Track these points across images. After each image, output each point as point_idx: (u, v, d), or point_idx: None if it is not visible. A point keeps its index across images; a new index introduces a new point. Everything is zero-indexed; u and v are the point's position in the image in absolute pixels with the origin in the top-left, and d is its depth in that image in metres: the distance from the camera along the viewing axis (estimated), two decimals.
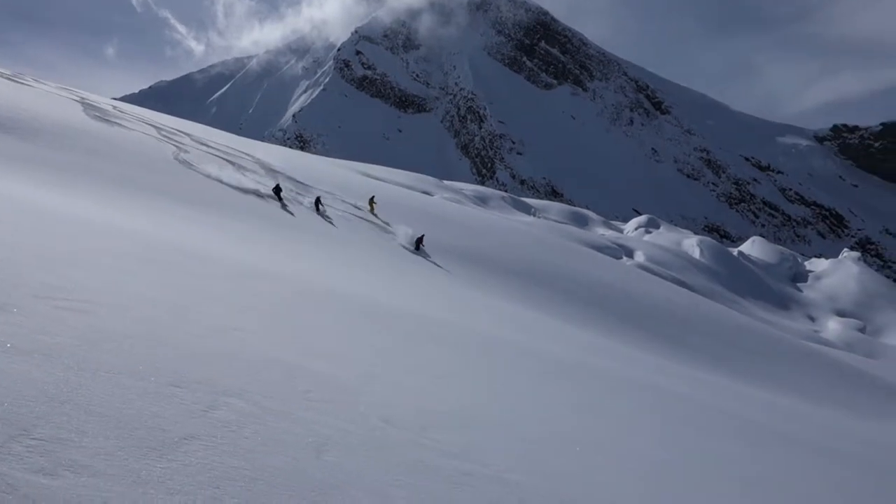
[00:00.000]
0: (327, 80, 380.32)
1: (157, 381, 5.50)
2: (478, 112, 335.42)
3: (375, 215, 36.95)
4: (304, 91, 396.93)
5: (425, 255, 31.84)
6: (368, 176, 64.81)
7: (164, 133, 44.99)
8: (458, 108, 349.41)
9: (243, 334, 8.07)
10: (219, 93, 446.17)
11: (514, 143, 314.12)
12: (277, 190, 32.20)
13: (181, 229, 17.32)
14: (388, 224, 35.31)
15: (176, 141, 41.90)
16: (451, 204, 63.91)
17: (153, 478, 4.09)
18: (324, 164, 63.81)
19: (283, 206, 31.03)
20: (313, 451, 5.26)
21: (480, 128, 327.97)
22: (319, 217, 31.76)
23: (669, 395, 16.94)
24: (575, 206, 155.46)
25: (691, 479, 9.17)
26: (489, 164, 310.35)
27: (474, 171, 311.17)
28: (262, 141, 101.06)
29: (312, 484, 4.71)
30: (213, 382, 5.91)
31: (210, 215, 22.85)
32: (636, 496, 7.18)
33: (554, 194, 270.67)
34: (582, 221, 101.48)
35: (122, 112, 49.49)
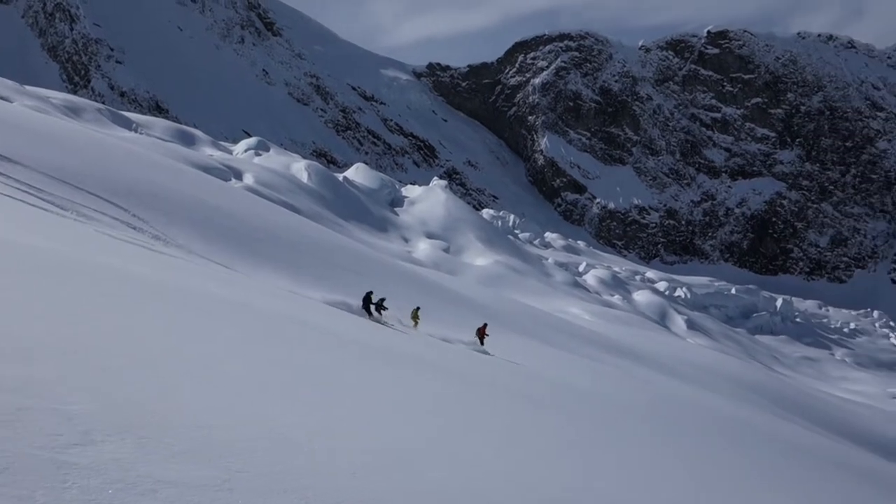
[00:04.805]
0: None
1: None
2: (68, 10, 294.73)
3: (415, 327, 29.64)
4: None
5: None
6: None
7: None
8: (45, 4, 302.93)
9: None
10: None
11: (112, 49, 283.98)
12: (372, 302, 26.74)
13: None
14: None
15: None
16: (34, 114, 55.89)
17: None
18: None
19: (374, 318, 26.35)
20: None
21: (72, 29, 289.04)
22: None
23: (269, 316, 17.40)
24: (182, 123, 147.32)
25: (286, 383, 9.61)
26: (83, 72, 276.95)
27: (65, 77, 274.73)
28: None
29: None
30: None
31: None
32: (221, 402, 7.27)
33: (158, 110, 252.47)
34: (189, 140, 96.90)
35: None
